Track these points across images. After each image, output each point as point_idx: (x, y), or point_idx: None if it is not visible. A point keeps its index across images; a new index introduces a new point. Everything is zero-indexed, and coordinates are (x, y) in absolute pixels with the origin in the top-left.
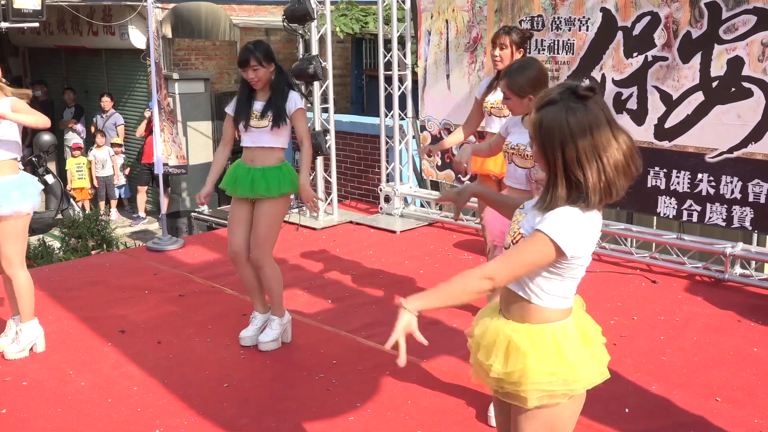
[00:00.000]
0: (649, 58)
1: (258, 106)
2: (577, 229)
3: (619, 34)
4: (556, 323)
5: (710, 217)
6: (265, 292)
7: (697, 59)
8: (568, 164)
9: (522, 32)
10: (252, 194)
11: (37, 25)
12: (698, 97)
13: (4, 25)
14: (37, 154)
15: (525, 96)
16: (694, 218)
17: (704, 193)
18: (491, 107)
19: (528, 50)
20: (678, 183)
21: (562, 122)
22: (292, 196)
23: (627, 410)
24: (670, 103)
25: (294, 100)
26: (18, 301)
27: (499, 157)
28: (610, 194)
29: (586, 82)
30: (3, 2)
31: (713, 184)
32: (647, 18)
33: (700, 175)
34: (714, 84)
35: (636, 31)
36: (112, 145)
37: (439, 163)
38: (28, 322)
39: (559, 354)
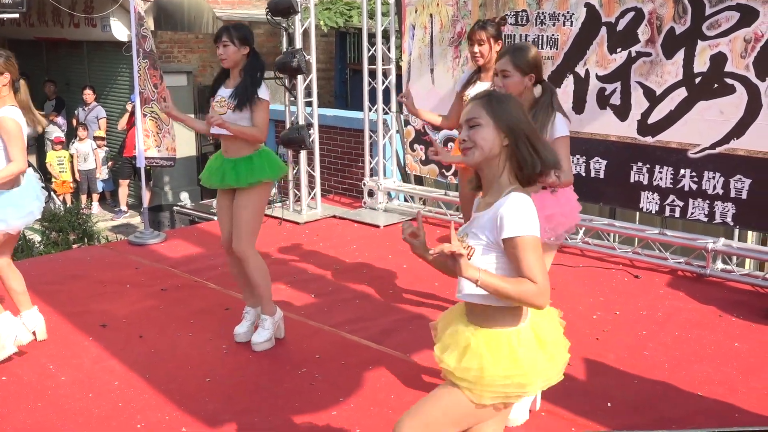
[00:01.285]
0: (633, 54)
1: (223, 92)
2: (533, 210)
3: (603, 30)
4: (512, 329)
5: (692, 213)
6: (252, 288)
7: (680, 55)
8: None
9: (496, 24)
10: (222, 185)
11: (17, 16)
12: (681, 93)
13: None
14: None
15: (528, 74)
16: (677, 214)
17: (686, 188)
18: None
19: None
20: (661, 178)
21: (520, 112)
22: (273, 191)
23: (609, 405)
24: (654, 98)
25: (261, 90)
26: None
27: None
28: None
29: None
30: None
31: (695, 179)
32: (631, 14)
33: (682, 171)
34: (697, 80)
35: (620, 27)
36: (95, 138)
37: (423, 158)
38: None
39: (513, 359)
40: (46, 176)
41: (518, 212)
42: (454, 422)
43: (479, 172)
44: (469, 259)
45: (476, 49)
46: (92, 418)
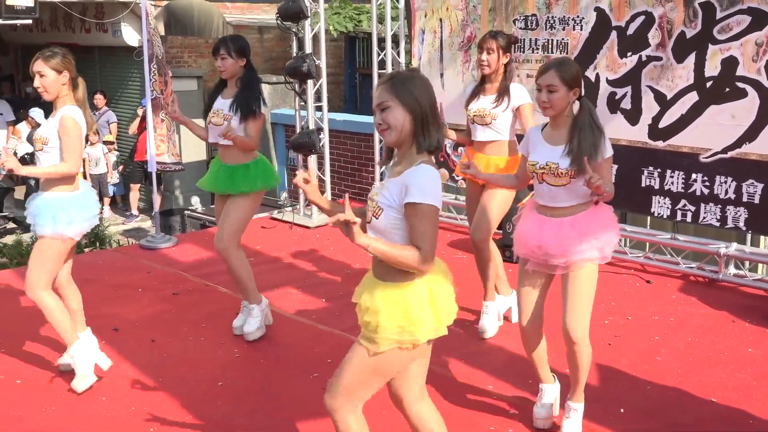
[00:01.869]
0: (644, 58)
1: (219, 103)
2: (437, 183)
3: (613, 34)
4: (407, 283)
5: (704, 217)
6: (236, 283)
7: (691, 59)
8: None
9: (508, 37)
10: (217, 190)
11: (29, 22)
12: (692, 97)
13: None
14: (31, 152)
15: (573, 88)
16: (688, 218)
17: (698, 193)
18: (474, 115)
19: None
20: (672, 183)
21: (426, 88)
22: (283, 195)
23: (622, 410)
24: (665, 102)
25: (256, 102)
26: (54, 325)
27: (479, 163)
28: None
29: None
30: None
31: (707, 184)
32: (641, 18)
33: (694, 175)
34: (708, 84)
35: (630, 31)
36: (105, 142)
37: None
38: (75, 344)
39: (406, 312)
40: None
41: (423, 182)
42: (370, 377)
43: (396, 147)
44: (377, 219)
45: (484, 57)
46: (105, 421)
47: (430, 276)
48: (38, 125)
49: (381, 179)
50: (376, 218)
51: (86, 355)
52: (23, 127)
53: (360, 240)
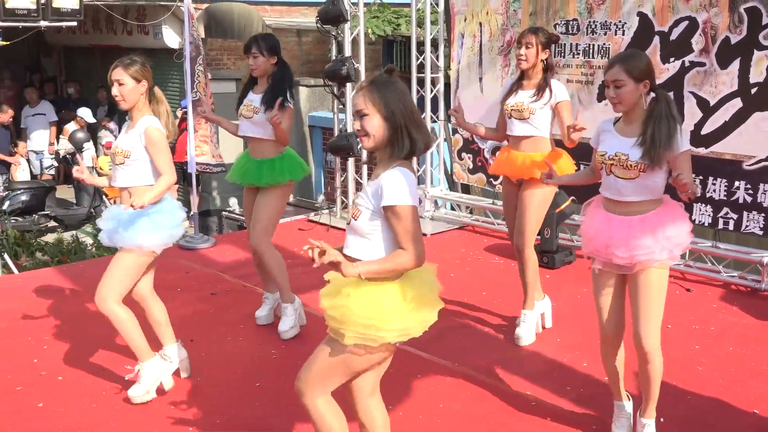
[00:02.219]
0: (686, 64)
1: (251, 97)
2: (407, 184)
3: (656, 39)
4: (383, 284)
5: (747, 226)
6: (270, 279)
7: (735, 65)
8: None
9: (548, 34)
10: (245, 181)
11: (74, 24)
12: (736, 104)
13: (44, 24)
14: (72, 152)
15: (642, 81)
16: (731, 226)
17: (741, 201)
18: (511, 110)
19: (554, 53)
20: (714, 190)
21: (401, 96)
22: (320, 198)
23: (662, 420)
24: (707, 109)
25: (287, 96)
26: (126, 338)
27: (516, 160)
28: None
29: (389, 66)
30: (43, 1)
31: (750, 192)
32: (685, 23)
33: (737, 183)
34: (753, 90)
35: (673, 36)
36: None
37: (471, 167)
38: (148, 360)
39: (377, 305)
40: None
41: (397, 184)
42: (338, 370)
43: (374, 152)
44: (355, 221)
45: (522, 51)
46: (144, 419)
47: (407, 279)
48: (87, 125)
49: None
50: (355, 219)
51: (155, 373)
52: (71, 127)
53: (350, 272)
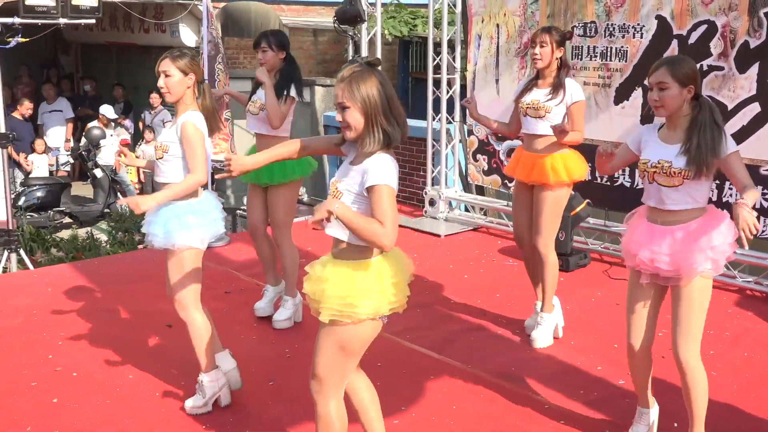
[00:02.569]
0: (705, 68)
1: (259, 93)
2: (395, 170)
3: (674, 43)
4: (359, 262)
5: (763, 231)
6: (281, 270)
7: (754, 69)
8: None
9: (562, 32)
10: (260, 182)
11: (93, 21)
12: (754, 108)
13: (63, 21)
14: (87, 148)
15: (687, 86)
16: None
17: (758, 206)
18: (527, 107)
19: (571, 56)
20: (730, 195)
21: (379, 88)
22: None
23: (676, 425)
24: (725, 113)
25: (288, 88)
26: (196, 346)
27: (529, 163)
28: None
29: (374, 59)
30: None
31: (767, 197)
32: (704, 27)
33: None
34: None
35: (692, 40)
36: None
37: (486, 168)
38: (210, 372)
39: (350, 283)
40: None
41: (381, 167)
42: (337, 357)
43: (356, 141)
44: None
45: (537, 50)
46: (158, 416)
47: (382, 258)
48: (109, 122)
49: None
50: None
51: (215, 387)
52: (94, 125)
53: (330, 204)
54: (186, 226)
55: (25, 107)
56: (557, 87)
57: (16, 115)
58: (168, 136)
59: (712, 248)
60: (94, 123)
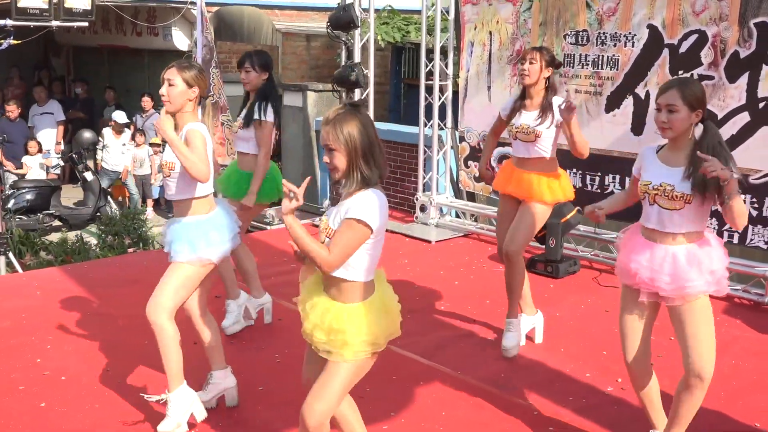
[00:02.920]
0: (695, 77)
1: (243, 113)
2: (377, 206)
3: (665, 52)
4: (366, 301)
5: (751, 239)
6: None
7: (744, 79)
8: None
9: (553, 55)
10: (227, 193)
11: (86, 24)
12: (744, 118)
13: (55, 23)
14: (78, 151)
15: (696, 109)
16: (735, 240)
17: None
18: (516, 131)
19: (563, 63)
20: (719, 203)
21: (361, 131)
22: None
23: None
24: (715, 122)
25: (262, 111)
26: (163, 357)
27: (522, 180)
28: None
29: (353, 100)
30: (55, 1)
31: (756, 205)
32: (694, 36)
33: (743, 196)
34: (761, 105)
35: (682, 49)
36: (151, 144)
37: (477, 175)
38: (176, 389)
39: (369, 327)
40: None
41: (362, 204)
42: (344, 389)
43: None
44: (329, 239)
45: (526, 66)
46: (148, 420)
47: (379, 291)
48: (122, 128)
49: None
50: (329, 239)
51: (184, 404)
52: (107, 132)
53: (287, 217)
54: (211, 243)
55: (9, 109)
56: (545, 109)
57: (9, 116)
58: (172, 154)
59: (712, 272)
60: (108, 131)
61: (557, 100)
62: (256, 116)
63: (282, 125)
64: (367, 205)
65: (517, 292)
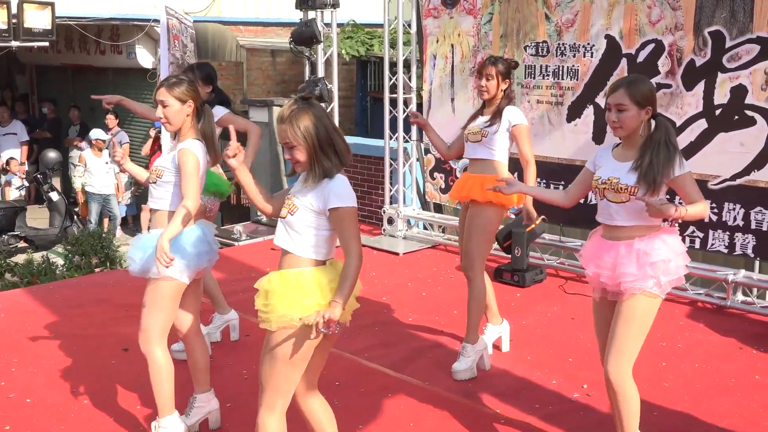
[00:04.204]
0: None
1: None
2: (350, 187)
3: (623, 61)
4: (298, 270)
5: (713, 244)
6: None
7: (700, 87)
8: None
9: (507, 62)
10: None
11: (47, 44)
12: (701, 125)
13: (15, 44)
14: (43, 171)
15: (645, 107)
16: (697, 245)
17: (707, 219)
18: (467, 133)
19: (524, 75)
20: None
21: (317, 123)
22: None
23: None
24: (674, 130)
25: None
26: (153, 386)
27: (465, 182)
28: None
29: (306, 93)
30: (14, 21)
31: (716, 211)
32: (651, 45)
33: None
34: (717, 112)
35: (640, 59)
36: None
37: (443, 186)
38: (165, 417)
39: (299, 291)
40: (70, 200)
41: (342, 189)
42: (283, 368)
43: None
44: (292, 216)
45: (483, 83)
46: None
47: (323, 269)
48: (103, 146)
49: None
50: (291, 215)
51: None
52: (88, 155)
53: (335, 313)
54: (182, 258)
55: None
56: (496, 114)
57: None
58: (164, 161)
59: (652, 265)
60: (88, 152)
61: (512, 110)
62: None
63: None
64: (346, 189)
65: (475, 316)
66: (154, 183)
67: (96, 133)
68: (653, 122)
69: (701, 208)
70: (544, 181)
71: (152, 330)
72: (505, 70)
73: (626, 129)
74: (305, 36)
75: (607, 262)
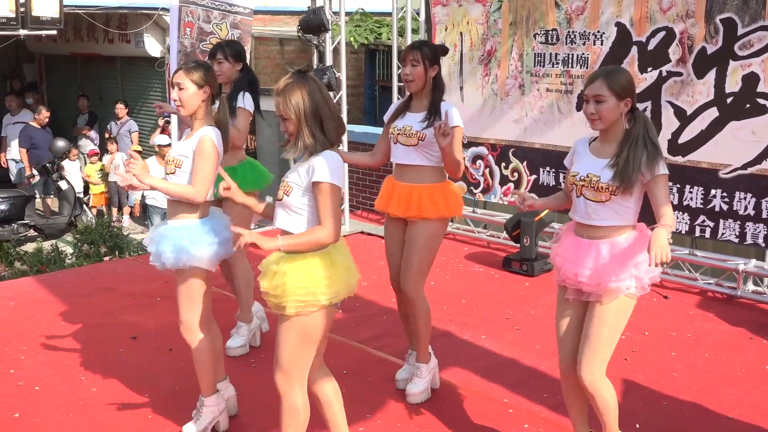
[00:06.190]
0: (664, 74)
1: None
2: (339, 165)
3: (634, 49)
4: (309, 254)
5: (723, 233)
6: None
7: (711, 75)
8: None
9: (435, 48)
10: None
11: (54, 32)
12: (712, 113)
13: (23, 32)
14: (51, 160)
15: (624, 99)
16: (707, 234)
17: (717, 209)
18: (398, 134)
19: (534, 63)
20: (691, 198)
21: (311, 97)
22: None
23: (637, 426)
24: (684, 118)
25: (240, 99)
26: (197, 371)
27: (403, 196)
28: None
29: (304, 66)
30: (22, 10)
31: (726, 200)
32: (662, 33)
33: (713, 191)
34: (729, 100)
35: (651, 46)
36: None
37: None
38: (210, 397)
39: (308, 273)
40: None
41: (326, 165)
42: (300, 345)
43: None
44: (287, 196)
45: (408, 70)
46: (123, 429)
47: (330, 252)
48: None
49: None
50: (287, 195)
51: (215, 412)
52: (153, 162)
53: (270, 246)
54: (198, 246)
55: None
56: (433, 112)
57: None
58: (182, 149)
59: (636, 265)
60: (152, 158)
61: (449, 108)
62: (239, 104)
63: (257, 129)
64: (331, 165)
65: (422, 335)
66: (173, 173)
67: (161, 139)
68: (632, 116)
69: (672, 217)
70: (554, 170)
71: (191, 322)
72: (432, 55)
73: (605, 121)
74: (313, 24)
75: (588, 262)
